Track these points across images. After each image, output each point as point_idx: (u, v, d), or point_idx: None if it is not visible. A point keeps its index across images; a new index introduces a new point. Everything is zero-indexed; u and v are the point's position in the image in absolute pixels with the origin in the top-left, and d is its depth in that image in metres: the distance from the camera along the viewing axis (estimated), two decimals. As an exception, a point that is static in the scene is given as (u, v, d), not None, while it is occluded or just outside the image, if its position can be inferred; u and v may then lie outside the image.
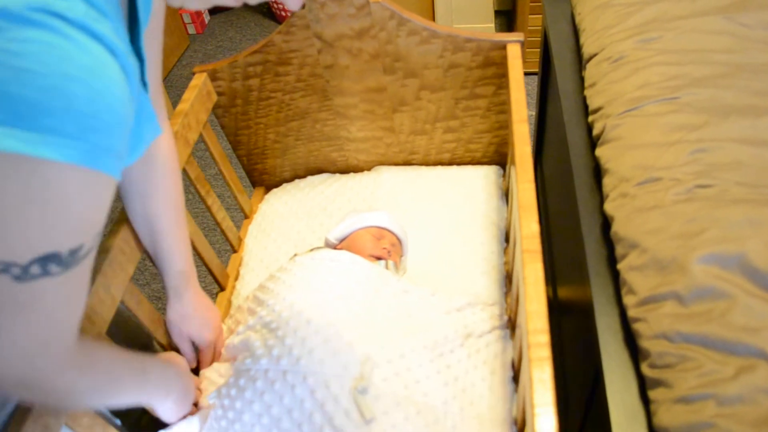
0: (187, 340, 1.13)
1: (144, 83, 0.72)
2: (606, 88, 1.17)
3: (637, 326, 0.82)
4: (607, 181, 1.03)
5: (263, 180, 1.68)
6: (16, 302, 0.54)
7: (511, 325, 1.19)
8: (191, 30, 3.47)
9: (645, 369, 0.79)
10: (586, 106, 1.24)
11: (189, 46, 3.36)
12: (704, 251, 0.80)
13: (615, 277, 0.94)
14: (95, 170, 0.51)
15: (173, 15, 3.16)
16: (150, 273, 2.15)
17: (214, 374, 1.11)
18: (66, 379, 0.68)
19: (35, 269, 0.52)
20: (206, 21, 3.56)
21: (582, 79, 1.32)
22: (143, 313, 1.10)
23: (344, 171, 1.65)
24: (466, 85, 1.41)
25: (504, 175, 1.56)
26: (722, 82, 1.08)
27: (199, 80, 1.36)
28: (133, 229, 1.04)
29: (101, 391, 0.78)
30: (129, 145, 0.63)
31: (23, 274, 0.51)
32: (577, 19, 1.46)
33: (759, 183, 0.89)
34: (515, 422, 1.03)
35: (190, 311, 1.10)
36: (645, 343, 0.80)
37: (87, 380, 0.73)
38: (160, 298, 2.06)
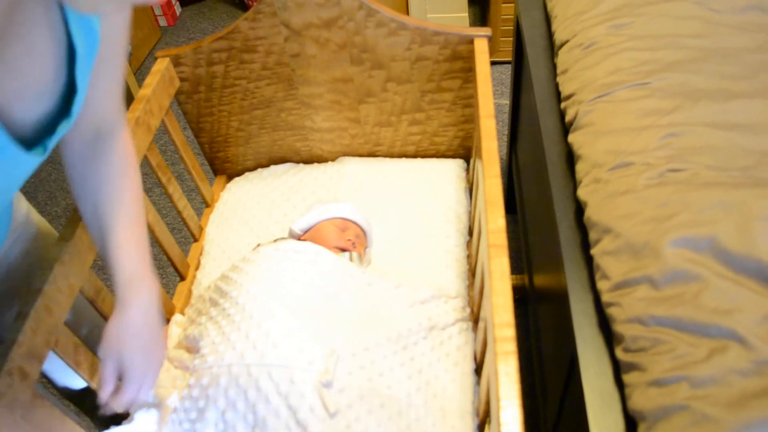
0: (114, 361, 0.85)
1: (70, 114, 0.70)
2: (578, 74, 1.17)
3: (611, 311, 0.82)
4: (580, 167, 1.03)
5: (225, 168, 1.66)
6: None
7: (473, 317, 1.19)
8: (162, 22, 3.42)
9: (619, 353, 0.79)
10: (558, 93, 1.24)
11: (160, 38, 3.31)
12: (676, 235, 0.81)
13: (589, 262, 0.94)
14: None
15: (143, 7, 3.11)
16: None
17: (166, 364, 1.10)
18: None
19: None
20: (177, 13, 3.51)
21: (554, 66, 1.31)
22: (103, 304, 1.07)
23: (308, 161, 1.63)
24: (432, 78, 1.40)
25: (468, 169, 1.56)
26: (693, 66, 1.09)
27: (162, 65, 1.34)
28: None
29: None
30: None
31: None
32: (549, 6, 1.46)
33: (730, 166, 0.90)
34: (477, 413, 1.03)
35: (133, 328, 0.86)
36: (619, 328, 0.80)
37: None
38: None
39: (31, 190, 2.46)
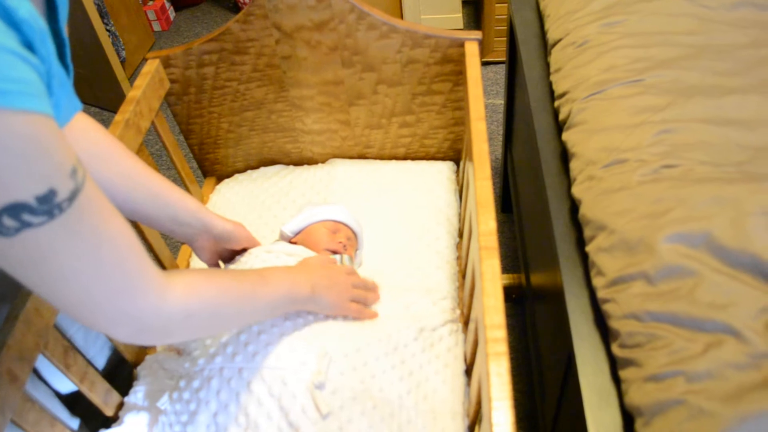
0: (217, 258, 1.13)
1: (67, 65, 0.70)
2: (571, 72, 1.18)
3: (607, 307, 0.82)
4: (574, 165, 1.03)
5: (215, 170, 1.65)
6: (32, 260, 0.55)
7: (463, 319, 1.19)
8: (156, 27, 3.42)
9: (615, 349, 0.79)
10: (552, 92, 1.24)
11: (154, 43, 3.31)
12: (671, 231, 0.81)
13: (584, 259, 0.94)
14: (14, 110, 0.49)
15: (138, 12, 3.11)
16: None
17: (155, 366, 1.11)
18: (176, 308, 0.69)
19: (9, 222, 0.51)
20: (171, 18, 3.51)
21: (548, 65, 1.32)
22: None
23: (298, 163, 1.63)
24: (423, 81, 1.40)
25: (458, 171, 1.56)
26: (686, 63, 1.09)
27: (152, 67, 1.33)
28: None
29: (230, 304, 0.79)
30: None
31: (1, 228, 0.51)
32: (542, 5, 1.46)
33: (723, 162, 0.90)
34: (468, 415, 1.03)
35: (228, 230, 1.09)
36: (615, 324, 0.80)
37: (202, 300, 0.73)
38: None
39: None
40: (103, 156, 0.92)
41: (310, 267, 1.02)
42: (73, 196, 0.55)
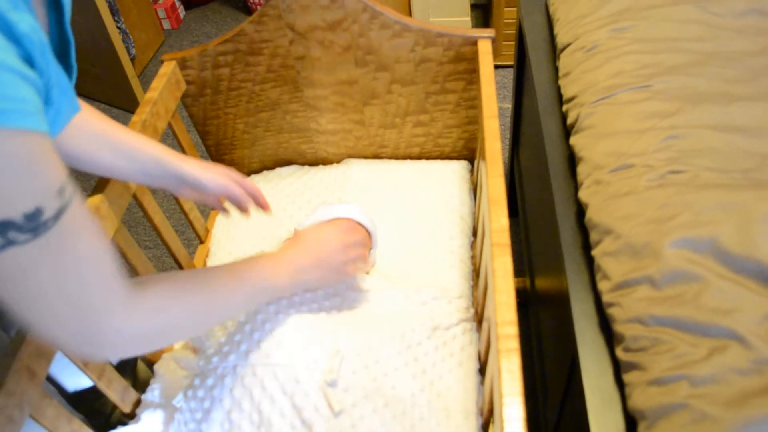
0: (228, 179, 1.09)
1: (71, 65, 0.71)
2: (580, 77, 1.18)
3: (612, 311, 0.83)
4: (581, 169, 1.04)
5: (231, 171, 1.67)
6: (9, 275, 0.55)
7: (477, 318, 1.20)
8: (166, 25, 3.43)
9: (620, 353, 0.80)
10: (560, 96, 1.24)
11: (164, 41, 3.33)
12: (677, 236, 0.81)
13: (590, 263, 0.94)
14: (11, 129, 0.49)
15: (148, 10, 3.12)
16: (125, 270, 2.12)
17: (172, 365, 1.11)
18: (137, 323, 0.68)
19: None
20: (181, 16, 3.52)
21: (556, 69, 1.32)
22: None
23: (313, 163, 1.64)
24: (436, 80, 1.40)
25: (472, 171, 1.56)
26: (694, 70, 1.09)
27: (168, 68, 1.35)
28: (100, 218, 1.03)
29: (198, 313, 0.78)
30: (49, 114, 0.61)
31: None
32: (551, 9, 1.47)
33: (730, 168, 0.90)
34: (481, 413, 1.04)
35: (198, 179, 1.05)
36: (619, 328, 0.80)
37: (169, 319, 0.73)
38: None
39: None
40: (72, 123, 0.93)
41: (295, 247, 1.00)
42: (58, 215, 0.55)
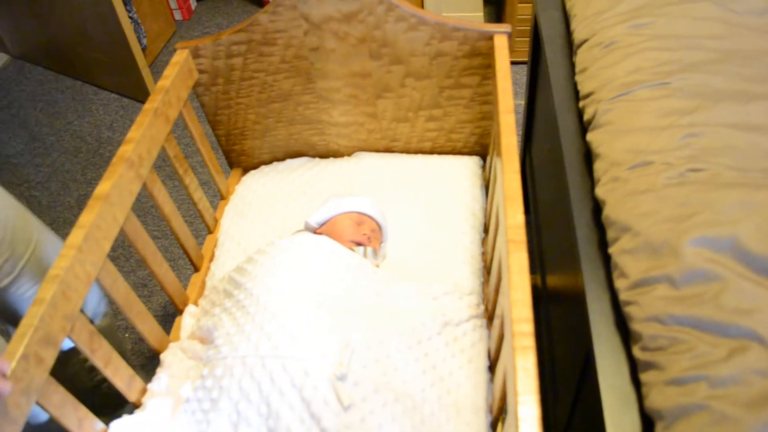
0: None
1: None
2: (597, 73, 1.17)
3: (629, 309, 0.82)
4: (599, 166, 1.03)
5: (241, 161, 1.66)
6: None
7: (488, 314, 1.19)
8: (177, 16, 3.42)
9: (637, 352, 0.79)
10: (576, 92, 1.23)
11: (175, 32, 3.32)
12: (696, 234, 0.80)
13: (606, 261, 0.93)
14: None
15: (160, 1, 3.12)
16: (135, 260, 2.13)
17: (179, 354, 1.11)
18: None
19: None
20: (193, 7, 3.51)
21: (572, 65, 1.31)
22: (118, 293, 1.07)
23: (324, 155, 1.63)
24: (451, 74, 1.39)
25: (484, 167, 1.55)
26: (713, 67, 1.08)
27: (181, 57, 1.34)
28: (109, 206, 1.03)
29: None
30: None
31: None
32: (568, 5, 1.45)
33: (750, 167, 0.89)
34: (491, 410, 1.03)
35: None
36: (637, 326, 0.79)
37: None
38: (146, 285, 2.04)
39: (44, 180, 2.47)
40: None
41: None
42: None
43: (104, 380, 1.42)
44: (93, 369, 1.39)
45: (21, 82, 3.01)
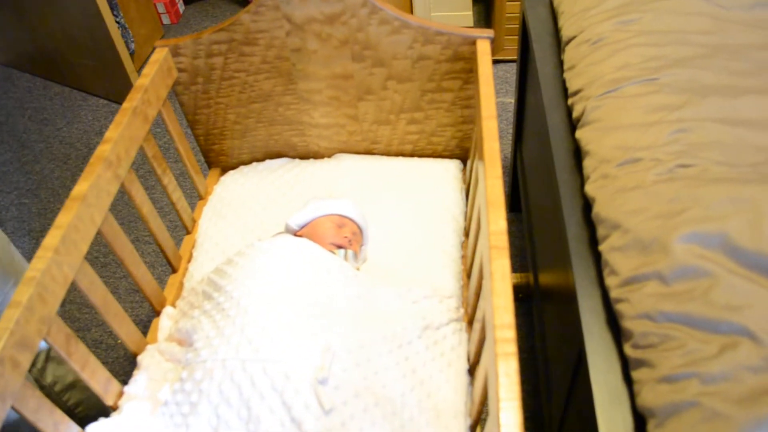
0: None
1: None
2: (585, 70, 1.17)
3: (620, 307, 0.81)
4: (588, 163, 1.02)
5: (220, 161, 1.65)
6: None
7: (467, 318, 1.18)
8: (165, 20, 3.41)
9: (628, 350, 0.78)
10: (565, 89, 1.23)
11: (163, 36, 3.30)
12: (686, 230, 0.80)
13: (597, 258, 0.93)
14: None
15: (147, 5, 3.10)
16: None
17: (157, 356, 1.10)
18: None
19: None
20: (181, 11, 3.50)
21: (561, 62, 1.31)
22: (96, 294, 1.06)
23: (304, 157, 1.62)
24: (433, 78, 1.39)
25: (464, 170, 1.55)
26: (701, 62, 1.08)
27: (160, 55, 1.33)
28: (87, 207, 1.01)
29: None
30: None
31: None
32: (555, 2, 1.45)
33: (739, 162, 0.89)
34: (470, 414, 1.03)
35: None
36: (628, 324, 0.79)
37: None
38: (137, 291, 2.02)
39: (34, 187, 2.45)
40: None
41: None
42: None
43: (78, 404, 1.41)
44: (64, 391, 1.37)
45: (9, 89, 2.99)
